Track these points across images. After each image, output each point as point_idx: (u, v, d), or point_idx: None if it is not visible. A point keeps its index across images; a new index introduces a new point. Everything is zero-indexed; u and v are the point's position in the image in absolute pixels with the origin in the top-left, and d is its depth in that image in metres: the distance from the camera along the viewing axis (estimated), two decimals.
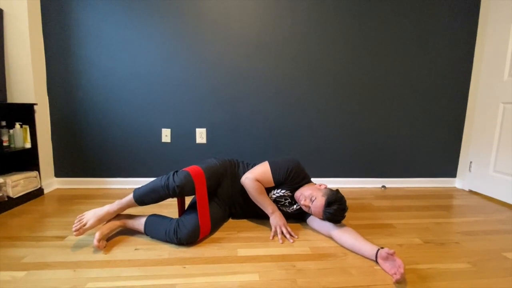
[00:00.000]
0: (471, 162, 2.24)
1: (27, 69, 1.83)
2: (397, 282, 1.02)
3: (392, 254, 1.06)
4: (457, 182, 2.38)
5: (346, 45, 2.15)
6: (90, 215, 1.25)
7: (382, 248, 1.13)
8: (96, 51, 2.00)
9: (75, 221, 1.23)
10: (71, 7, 1.94)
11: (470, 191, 2.25)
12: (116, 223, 1.32)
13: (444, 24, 2.17)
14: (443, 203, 1.96)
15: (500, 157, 2.00)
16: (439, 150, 2.35)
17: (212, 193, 1.45)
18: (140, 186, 1.32)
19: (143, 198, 1.28)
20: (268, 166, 1.43)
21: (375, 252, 1.14)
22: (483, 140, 2.14)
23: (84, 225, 1.21)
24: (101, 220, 1.25)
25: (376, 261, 1.14)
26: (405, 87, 2.24)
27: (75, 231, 1.20)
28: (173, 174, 1.27)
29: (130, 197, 1.29)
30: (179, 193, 1.25)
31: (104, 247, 1.23)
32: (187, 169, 1.31)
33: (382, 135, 2.28)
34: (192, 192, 1.28)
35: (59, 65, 1.99)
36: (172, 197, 1.27)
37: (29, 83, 1.85)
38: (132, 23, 1.99)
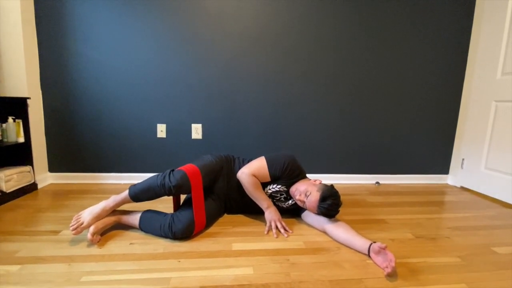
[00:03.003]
0: (463, 159, 2.28)
1: (20, 62, 1.81)
2: (389, 275, 1.04)
3: (384, 248, 1.08)
4: (449, 179, 2.42)
5: (341, 42, 2.15)
6: (87, 214, 1.25)
7: (374, 242, 1.15)
8: (91, 45, 1.98)
9: (72, 221, 1.23)
10: (65, 0, 1.91)
11: (462, 188, 2.29)
12: (111, 219, 1.31)
13: (439, 22, 2.19)
14: (435, 199, 1.99)
15: (492, 155, 2.04)
16: (432, 147, 2.38)
17: (208, 189, 1.45)
18: (136, 182, 1.33)
19: (138, 195, 1.29)
20: (265, 161, 1.44)
21: (367, 246, 1.16)
22: (475, 138, 2.17)
23: (81, 223, 1.22)
24: (97, 218, 1.25)
25: (369, 255, 1.16)
26: (399, 85, 2.25)
27: (73, 230, 1.20)
28: (170, 174, 1.27)
29: (125, 193, 1.29)
30: (175, 192, 1.26)
31: (98, 241, 1.23)
32: (183, 168, 1.31)
33: (376, 132, 2.30)
34: (188, 191, 1.29)
35: (53, 58, 1.97)
36: (168, 195, 1.27)
37: (22, 77, 1.82)
38: (127, 17, 1.97)
